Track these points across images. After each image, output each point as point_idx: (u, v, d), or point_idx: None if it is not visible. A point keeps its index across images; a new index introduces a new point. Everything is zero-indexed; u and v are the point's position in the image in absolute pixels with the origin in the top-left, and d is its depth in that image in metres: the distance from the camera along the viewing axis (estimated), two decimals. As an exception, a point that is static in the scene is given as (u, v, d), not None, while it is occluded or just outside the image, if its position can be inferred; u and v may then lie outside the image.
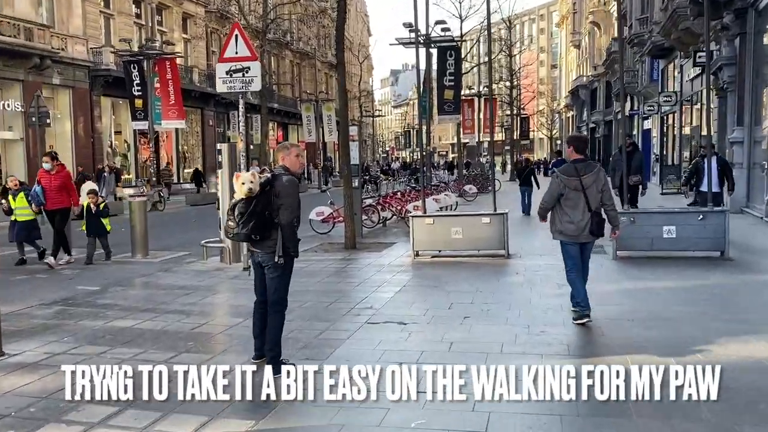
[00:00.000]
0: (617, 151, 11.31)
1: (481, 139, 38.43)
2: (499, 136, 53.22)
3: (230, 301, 7.62)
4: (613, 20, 48.35)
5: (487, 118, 36.92)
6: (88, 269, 9.92)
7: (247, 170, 5.33)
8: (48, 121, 17.42)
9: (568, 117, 71.82)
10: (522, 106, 52.50)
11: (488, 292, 7.60)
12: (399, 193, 17.59)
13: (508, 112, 52.63)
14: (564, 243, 6.17)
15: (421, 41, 20.36)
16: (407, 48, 20.94)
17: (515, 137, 49.88)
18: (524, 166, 18.69)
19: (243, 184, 4.62)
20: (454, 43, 20.98)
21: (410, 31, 20.64)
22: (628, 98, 40.18)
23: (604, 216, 6.07)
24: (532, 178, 17.79)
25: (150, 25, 33.49)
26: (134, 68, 22.96)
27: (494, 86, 47.43)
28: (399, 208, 15.74)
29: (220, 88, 9.47)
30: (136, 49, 23.58)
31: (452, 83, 20.26)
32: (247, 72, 9.30)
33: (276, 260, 4.68)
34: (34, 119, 17.12)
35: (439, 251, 10.47)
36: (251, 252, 4.94)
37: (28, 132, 25.72)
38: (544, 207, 6.22)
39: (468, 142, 69.34)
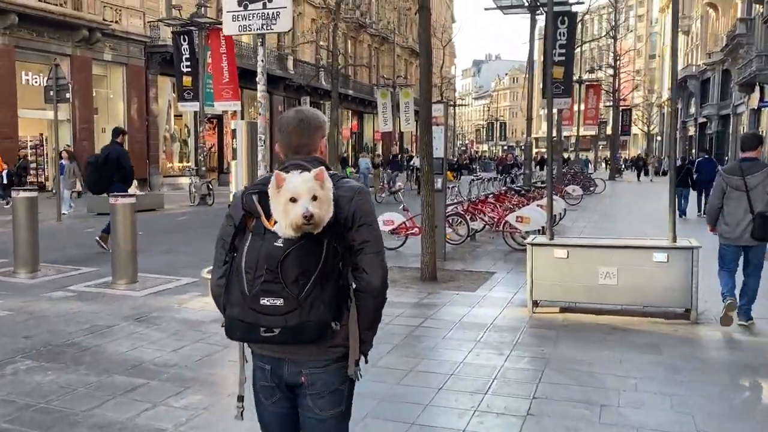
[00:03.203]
0: None
1: (580, 133, 33.65)
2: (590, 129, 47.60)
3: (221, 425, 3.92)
4: (736, -1, 42.05)
5: (588, 108, 32.23)
6: (28, 308, 6.53)
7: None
8: (67, 95, 14.45)
9: (671, 111, 64.95)
10: (623, 97, 46.87)
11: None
12: (492, 196, 13.59)
13: (607, 103, 47.11)
14: (722, 245, 5.94)
15: (525, 3, 16.23)
16: (506, 13, 16.85)
17: (618, 131, 44.34)
18: (681, 165, 16.44)
19: (293, 201, 1.88)
20: (568, 8, 16.66)
21: (511, -8, 16.52)
22: (757, 87, 34.24)
23: None
24: (689, 178, 15.94)
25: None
26: (184, 40, 19.87)
27: (595, 74, 42.32)
28: (496, 218, 11.75)
29: (229, 28, 5.83)
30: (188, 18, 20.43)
31: (563, 59, 15.99)
32: (270, 0, 5.60)
33: (352, 374, 2.10)
34: (51, 93, 14.18)
35: (575, 303, 6.49)
36: (261, 360, 2.13)
37: (75, 112, 23.38)
38: (711, 208, 6.00)
39: (554, 137, 63.90)
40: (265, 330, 1.90)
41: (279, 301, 1.88)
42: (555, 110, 31.31)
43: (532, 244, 6.45)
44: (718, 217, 5.94)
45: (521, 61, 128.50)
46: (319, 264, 1.90)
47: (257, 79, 5.76)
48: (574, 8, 17.18)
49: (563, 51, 16.03)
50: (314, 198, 1.87)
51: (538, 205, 12.52)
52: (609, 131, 52.35)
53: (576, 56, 33.70)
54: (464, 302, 6.88)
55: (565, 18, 15.99)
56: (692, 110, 55.13)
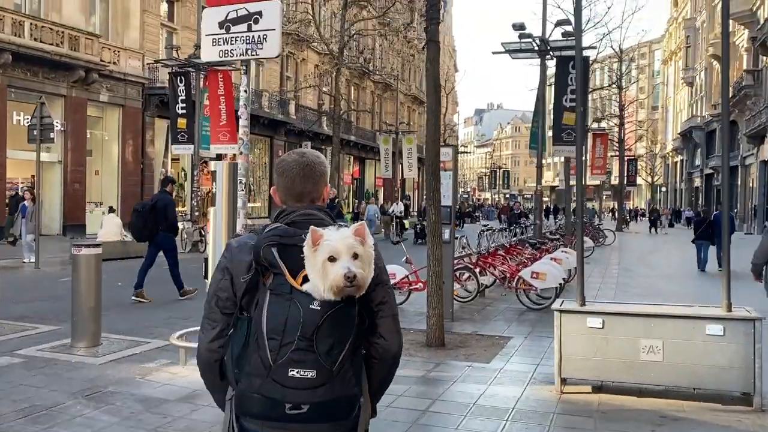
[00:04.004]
0: None
1: (587, 182, 32.85)
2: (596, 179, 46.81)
3: None
4: (742, 51, 41.90)
5: (595, 157, 31.49)
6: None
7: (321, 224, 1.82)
8: (52, 135, 13.68)
9: (676, 162, 64.57)
10: (627, 147, 46.42)
11: None
12: (502, 248, 12.63)
13: (610, 153, 46.59)
14: None
15: (535, 47, 15.62)
16: (514, 58, 16.24)
17: (624, 182, 43.76)
18: (702, 218, 16.61)
19: (331, 260, 1.70)
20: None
21: (520, 35, 15.93)
22: (767, 139, 33.65)
23: None
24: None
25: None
26: (181, 81, 19.25)
27: (599, 124, 41.87)
28: (508, 272, 10.77)
29: (208, 54, 5.00)
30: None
31: (574, 104, 15.24)
32: (256, 22, 4.79)
33: None
34: (35, 133, 13.40)
35: (612, 382, 5.47)
36: None
37: (67, 155, 22.66)
38: (756, 263, 6.42)
39: (557, 186, 63.33)
40: (292, 406, 1.68)
41: (311, 373, 1.67)
42: (562, 158, 30.54)
43: (561, 311, 5.46)
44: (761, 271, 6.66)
45: (523, 110, 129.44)
46: (353, 330, 1.72)
47: (239, 113, 4.91)
48: (585, 53, 16.56)
49: (575, 97, 15.28)
50: (355, 256, 1.71)
51: (552, 259, 11.59)
52: (613, 181, 51.83)
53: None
54: (478, 377, 5.85)
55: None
56: (698, 162, 54.65)
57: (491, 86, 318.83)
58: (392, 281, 9.80)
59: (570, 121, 15.50)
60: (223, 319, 1.81)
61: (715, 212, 17.72)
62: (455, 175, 9.11)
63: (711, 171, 48.74)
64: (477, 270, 10.51)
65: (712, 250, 16.63)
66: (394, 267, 10.11)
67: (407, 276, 10.02)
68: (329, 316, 1.66)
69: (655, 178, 69.39)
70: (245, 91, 4.88)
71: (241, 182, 4.97)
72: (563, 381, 5.46)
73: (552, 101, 16.11)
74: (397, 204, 30.85)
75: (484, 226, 14.61)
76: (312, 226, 1.74)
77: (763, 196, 35.93)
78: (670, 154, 66.53)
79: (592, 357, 5.35)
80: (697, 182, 55.34)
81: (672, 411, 4.94)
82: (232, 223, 5.20)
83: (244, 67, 4.96)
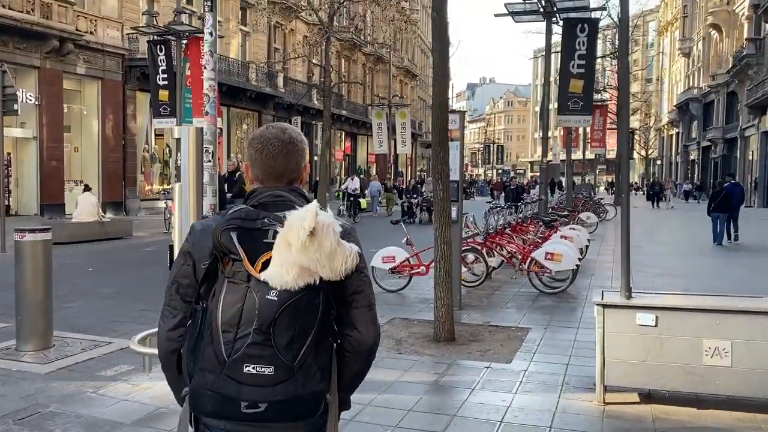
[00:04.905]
0: None
1: (585, 156, 32.00)
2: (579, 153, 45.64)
3: None
4: (743, 19, 40.75)
5: (595, 130, 30.54)
6: None
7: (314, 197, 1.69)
8: (16, 106, 12.48)
9: (671, 135, 63.67)
10: (625, 120, 45.30)
11: None
12: (508, 226, 11.65)
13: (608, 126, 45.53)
14: None
15: (540, 8, 14.49)
16: (517, 21, 15.10)
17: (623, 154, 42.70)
18: (719, 190, 16.20)
19: (327, 245, 1.60)
20: (588, 15, 14.90)
21: (524, -4, 14.77)
22: (769, 110, 32.78)
23: None
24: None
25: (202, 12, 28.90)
26: (161, 51, 18.00)
27: (598, 95, 40.83)
28: (521, 254, 9.80)
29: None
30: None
31: (582, 71, 14.18)
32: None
33: None
34: (-4, 103, 12.23)
35: (666, 392, 4.52)
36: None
37: (42, 130, 21.40)
38: None
39: (551, 160, 62.33)
40: (248, 405, 1.56)
41: (268, 369, 1.55)
42: (561, 129, 29.58)
43: (604, 305, 4.49)
44: None
45: (516, 84, 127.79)
46: (316, 321, 1.58)
47: (204, 62, 3.87)
48: (595, 15, 15.46)
49: (582, 62, 14.20)
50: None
51: (562, 237, 10.66)
52: (608, 155, 50.87)
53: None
54: (501, 383, 4.90)
55: (585, 26, 14.19)
56: (694, 134, 53.73)
57: (484, 59, 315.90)
58: (392, 265, 9.00)
59: (577, 88, 14.46)
60: (185, 307, 1.70)
61: (726, 184, 16.83)
62: (462, 146, 8.09)
63: (708, 143, 47.89)
64: (484, 251, 9.54)
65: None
66: (393, 249, 9.18)
67: (408, 259, 9.06)
68: (288, 306, 1.54)
69: (650, 152, 68.56)
70: (210, 34, 3.83)
71: (207, 151, 3.94)
72: (605, 388, 4.52)
73: (558, 68, 15.02)
74: (352, 180, 26.31)
75: (489, 202, 13.62)
76: (314, 209, 1.60)
77: (764, 168, 35.13)
78: (666, 126, 65.59)
79: (642, 361, 4.39)
80: (693, 155, 54.51)
81: (746, 427, 4.01)
82: (200, 201, 4.18)
83: (208, 3, 3.91)
